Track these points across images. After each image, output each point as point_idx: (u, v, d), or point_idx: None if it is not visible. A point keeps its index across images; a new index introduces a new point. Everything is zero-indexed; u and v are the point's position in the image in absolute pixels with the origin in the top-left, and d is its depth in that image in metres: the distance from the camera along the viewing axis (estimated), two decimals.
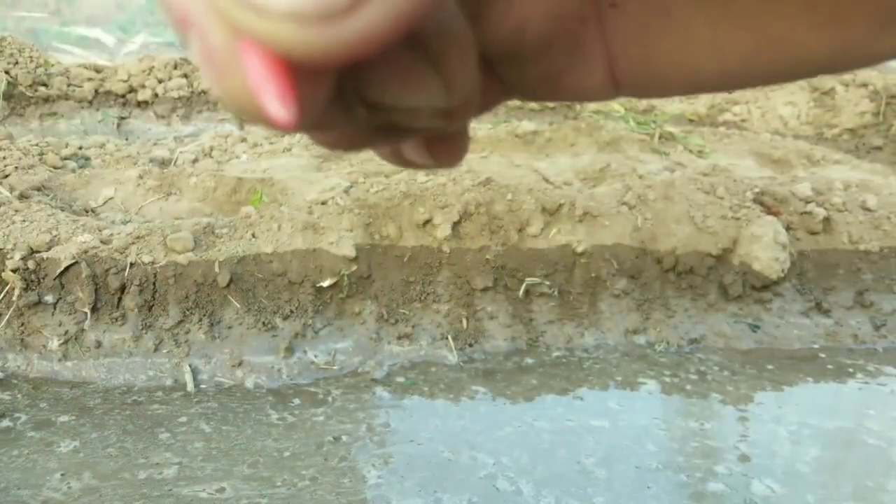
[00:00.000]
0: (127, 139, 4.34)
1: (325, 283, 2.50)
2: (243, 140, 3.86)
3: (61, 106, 4.54)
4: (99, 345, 2.34)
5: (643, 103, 5.47)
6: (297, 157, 3.42)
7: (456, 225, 2.70)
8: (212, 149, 3.67)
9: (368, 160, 3.37)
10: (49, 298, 2.32)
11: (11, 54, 4.63)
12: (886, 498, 2.00)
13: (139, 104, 4.71)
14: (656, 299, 2.82)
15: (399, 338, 2.58)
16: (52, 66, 4.76)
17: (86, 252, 2.35)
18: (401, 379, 2.44)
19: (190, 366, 2.35)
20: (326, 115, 0.24)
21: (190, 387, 2.30)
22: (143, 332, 2.37)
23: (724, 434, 2.25)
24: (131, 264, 2.36)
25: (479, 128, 3.89)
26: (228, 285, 2.42)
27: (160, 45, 5.53)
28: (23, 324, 2.33)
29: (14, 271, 2.30)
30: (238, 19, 0.20)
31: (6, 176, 2.86)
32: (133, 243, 2.42)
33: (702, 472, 2.05)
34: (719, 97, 5.41)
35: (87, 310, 2.33)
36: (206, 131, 4.51)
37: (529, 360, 2.59)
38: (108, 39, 5.46)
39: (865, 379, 2.62)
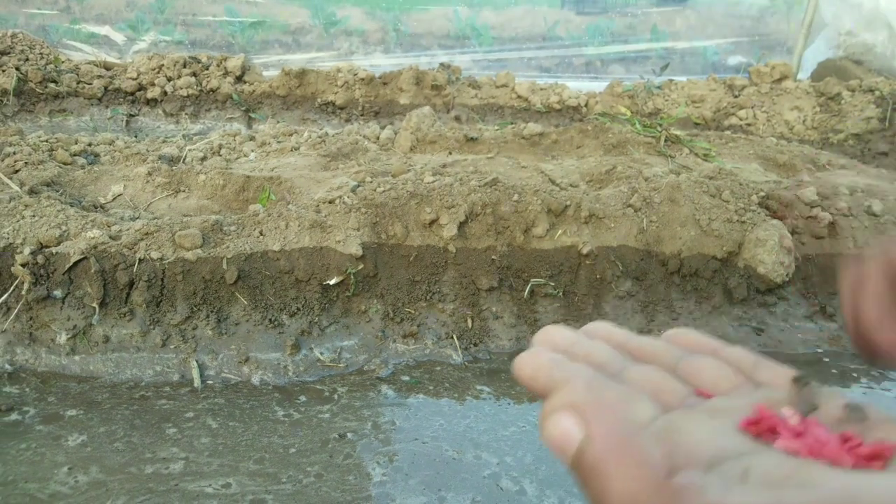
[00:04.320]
0: (136, 136, 4.37)
1: (332, 282, 2.52)
2: (251, 139, 3.88)
3: (71, 103, 4.57)
4: (107, 340, 2.36)
5: (649, 106, 5.47)
6: (305, 156, 3.43)
7: (462, 225, 2.71)
8: (220, 147, 3.69)
9: (374, 160, 3.38)
10: (58, 293, 2.34)
11: (22, 51, 4.67)
12: None
13: (148, 102, 4.73)
14: (661, 301, 2.82)
15: (405, 336, 2.59)
16: (62, 62, 4.79)
17: (95, 247, 2.37)
18: (406, 377, 2.45)
19: (197, 361, 2.37)
20: None
21: (197, 382, 2.31)
22: (151, 327, 2.39)
23: None
24: (140, 260, 2.38)
25: (486, 129, 3.90)
26: (236, 282, 2.44)
27: (169, 44, 5.56)
28: (31, 318, 2.35)
29: (23, 266, 2.32)
30: None
31: (16, 171, 2.89)
32: (142, 239, 2.44)
33: None
34: (725, 101, 5.41)
35: (95, 305, 2.35)
36: (215, 129, 4.54)
37: None
38: (117, 37, 5.49)
39: (869, 384, 2.62)
